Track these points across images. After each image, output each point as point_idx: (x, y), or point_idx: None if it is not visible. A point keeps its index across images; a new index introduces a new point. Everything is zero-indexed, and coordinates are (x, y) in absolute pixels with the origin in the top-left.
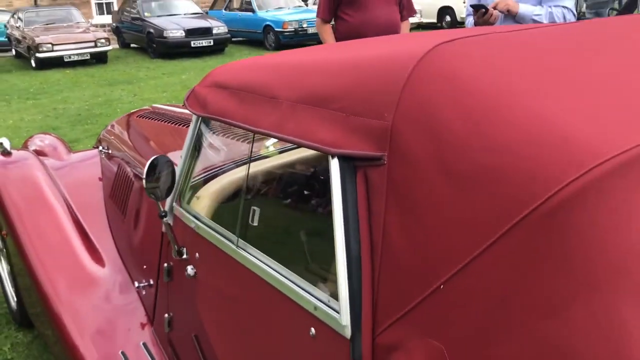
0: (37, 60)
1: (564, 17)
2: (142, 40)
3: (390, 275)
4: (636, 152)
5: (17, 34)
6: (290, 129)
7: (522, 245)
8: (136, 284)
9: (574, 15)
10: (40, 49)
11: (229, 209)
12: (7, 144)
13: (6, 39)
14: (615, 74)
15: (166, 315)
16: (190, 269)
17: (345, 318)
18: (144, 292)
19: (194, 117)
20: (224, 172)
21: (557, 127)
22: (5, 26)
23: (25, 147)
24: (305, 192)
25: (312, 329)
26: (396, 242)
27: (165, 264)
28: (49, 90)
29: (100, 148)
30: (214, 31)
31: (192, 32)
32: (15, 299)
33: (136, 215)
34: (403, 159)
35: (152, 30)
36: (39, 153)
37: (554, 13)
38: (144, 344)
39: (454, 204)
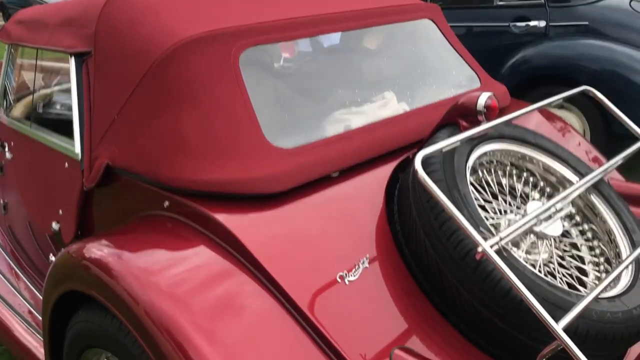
0: None
1: None
2: None
3: (97, 118)
4: (205, 33)
5: None
6: (52, 42)
7: (147, 83)
8: None
9: None
10: None
11: (28, 109)
12: None
13: None
14: (247, 6)
15: (1, 201)
16: (8, 154)
17: (77, 149)
18: None
19: (6, 47)
20: (32, 87)
21: (169, 27)
22: None
23: None
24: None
25: (66, 163)
26: (99, 100)
27: None
28: None
29: None
30: None
31: None
32: None
33: None
34: (100, 50)
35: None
36: None
37: None
38: None
39: (123, 70)
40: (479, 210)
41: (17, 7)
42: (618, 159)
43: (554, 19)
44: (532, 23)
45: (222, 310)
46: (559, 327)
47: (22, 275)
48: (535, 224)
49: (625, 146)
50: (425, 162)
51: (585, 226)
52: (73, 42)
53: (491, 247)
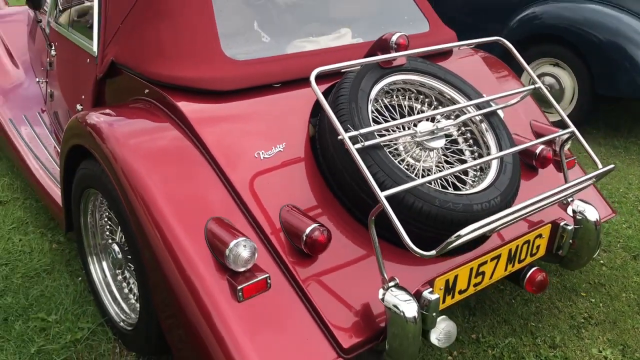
0: None
1: None
2: None
3: (108, 26)
4: None
5: None
6: None
7: (142, 4)
8: (37, 79)
9: None
10: None
11: (68, 17)
12: None
13: None
14: None
15: (49, 90)
16: (53, 52)
17: (95, 49)
18: (42, 85)
19: None
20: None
21: None
22: None
23: None
24: None
25: (88, 59)
26: (110, 13)
27: (48, 59)
28: None
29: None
30: None
31: None
32: None
33: (38, 41)
34: None
35: None
36: None
37: None
38: (40, 112)
39: None
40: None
41: None
42: (500, 96)
43: None
44: None
45: (170, 166)
46: (382, 194)
47: (59, 149)
48: (416, 137)
49: (606, 105)
50: (341, 83)
51: (476, 147)
52: None
53: (355, 141)
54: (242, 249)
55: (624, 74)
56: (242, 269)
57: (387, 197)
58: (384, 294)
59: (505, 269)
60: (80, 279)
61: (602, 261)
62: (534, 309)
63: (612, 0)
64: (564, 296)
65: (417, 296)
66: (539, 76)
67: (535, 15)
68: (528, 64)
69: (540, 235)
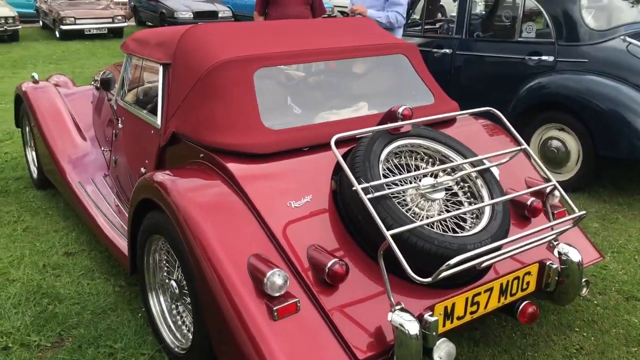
0: (61, 31)
1: (396, 19)
2: (155, 19)
3: (171, 104)
4: (233, 58)
5: (44, 7)
6: (151, 55)
7: (199, 85)
8: (102, 148)
9: (404, 17)
10: (64, 22)
11: (134, 95)
12: (36, 77)
13: (35, 11)
14: (271, 41)
15: (113, 158)
16: (120, 125)
17: (159, 122)
18: (106, 153)
19: (125, 55)
20: (137, 82)
21: (213, 53)
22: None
23: (47, 80)
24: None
25: (152, 130)
26: (172, 93)
27: (114, 131)
28: (69, 58)
29: (92, 82)
30: (220, 15)
31: (199, 15)
32: (36, 170)
33: (103, 116)
34: (176, 63)
35: (164, 11)
36: (55, 85)
37: (389, 16)
38: (103, 176)
39: (186, 76)
40: (382, 175)
41: (148, 10)
42: (489, 156)
43: (561, 55)
44: (544, 57)
45: (220, 214)
46: (388, 233)
47: (121, 206)
48: (419, 189)
49: (611, 166)
50: (357, 147)
51: (472, 199)
52: (162, 56)
53: (368, 192)
54: (277, 277)
55: (623, 138)
56: (277, 294)
57: (393, 236)
58: (391, 316)
59: (499, 301)
60: (140, 315)
61: (596, 302)
62: (531, 342)
63: (612, 72)
64: (559, 331)
65: (420, 318)
66: (547, 140)
67: (541, 85)
68: (536, 129)
69: (529, 273)
